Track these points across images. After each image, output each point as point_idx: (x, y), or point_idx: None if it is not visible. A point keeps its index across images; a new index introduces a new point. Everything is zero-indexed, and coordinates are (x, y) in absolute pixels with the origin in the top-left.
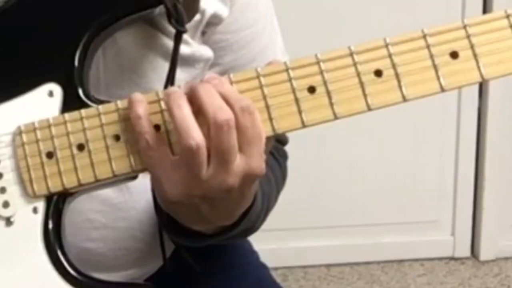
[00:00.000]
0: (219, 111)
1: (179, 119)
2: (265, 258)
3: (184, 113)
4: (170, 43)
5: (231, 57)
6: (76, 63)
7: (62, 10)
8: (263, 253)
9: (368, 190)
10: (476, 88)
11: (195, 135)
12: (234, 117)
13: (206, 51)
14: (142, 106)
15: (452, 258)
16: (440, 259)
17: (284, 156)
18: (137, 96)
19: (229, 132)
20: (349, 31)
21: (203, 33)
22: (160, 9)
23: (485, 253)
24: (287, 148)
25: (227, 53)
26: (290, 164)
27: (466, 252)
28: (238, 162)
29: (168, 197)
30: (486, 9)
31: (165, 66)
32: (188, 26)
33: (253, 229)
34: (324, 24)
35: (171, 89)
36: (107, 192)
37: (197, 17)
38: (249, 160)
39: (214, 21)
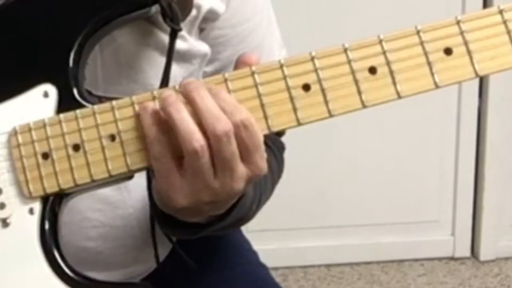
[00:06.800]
0: (217, 123)
1: (180, 123)
2: (265, 258)
3: (185, 116)
4: (167, 39)
5: (230, 51)
6: (71, 63)
7: (56, 11)
8: (263, 253)
9: (368, 190)
10: (476, 88)
11: (199, 137)
12: (233, 129)
13: (202, 47)
14: (151, 114)
15: (452, 258)
16: (440, 259)
17: (281, 147)
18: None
19: (229, 142)
20: (348, 30)
21: (202, 30)
22: (156, 8)
23: (485, 253)
24: (286, 143)
25: (226, 48)
26: (290, 165)
27: (466, 252)
28: (242, 169)
29: (175, 204)
30: (486, 7)
31: (162, 62)
32: (184, 22)
33: (246, 218)
34: (323, 23)
35: (166, 93)
36: (105, 191)
37: (193, 12)
38: (252, 166)
39: (211, 16)
